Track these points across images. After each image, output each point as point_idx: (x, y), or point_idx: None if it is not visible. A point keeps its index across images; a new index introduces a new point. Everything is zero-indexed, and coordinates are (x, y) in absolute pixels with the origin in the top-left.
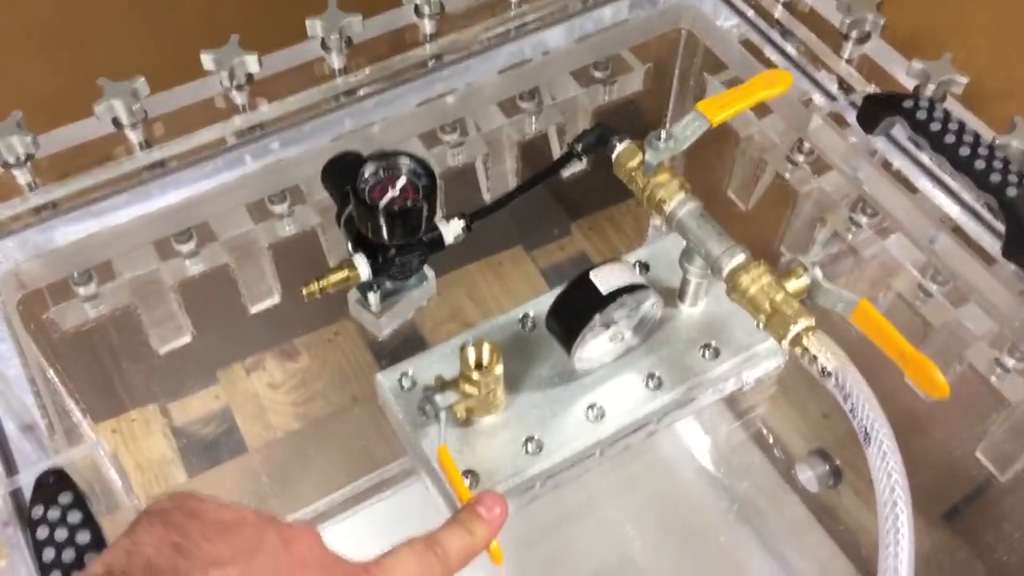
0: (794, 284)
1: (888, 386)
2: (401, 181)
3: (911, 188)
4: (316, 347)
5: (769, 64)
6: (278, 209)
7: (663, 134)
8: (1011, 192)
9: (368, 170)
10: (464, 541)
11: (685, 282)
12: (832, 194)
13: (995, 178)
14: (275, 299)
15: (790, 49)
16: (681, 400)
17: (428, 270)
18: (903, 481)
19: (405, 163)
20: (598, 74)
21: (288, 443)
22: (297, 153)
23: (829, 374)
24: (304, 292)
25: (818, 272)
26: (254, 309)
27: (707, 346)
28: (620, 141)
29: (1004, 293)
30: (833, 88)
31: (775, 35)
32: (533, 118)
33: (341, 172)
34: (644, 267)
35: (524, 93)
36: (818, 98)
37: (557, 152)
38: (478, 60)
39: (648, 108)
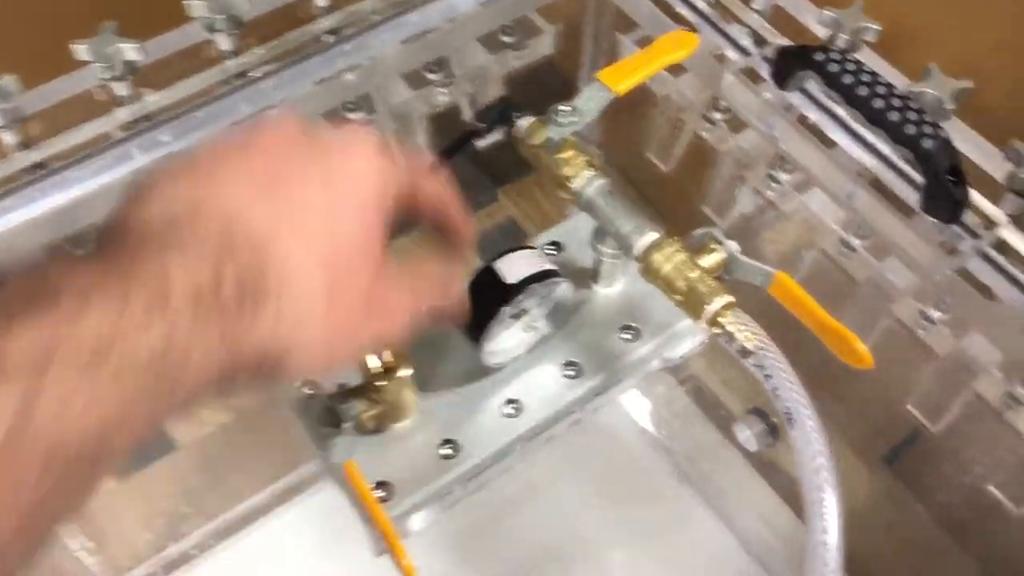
0: (708, 260)
1: None
2: None
3: (828, 142)
4: None
5: (680, 20)
6: None
7: (565, 108)
8: (926, 144)
9: None
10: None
11: (598, 263)
12: (750, 151)
13: (910, 130)
14: None
15: (700, 3)
16: (602, 386)
17: None
18: (829, 463)
19: None
20: (507, 39)
21: (219, 437)
22: (191, 143)
23: (749, 353)
24: None
25: (733, 245)
26: None
27: (626, 327)
28: (522, 117)
29: (924, 247)
30: (746, 42)
31: None
32: (442, 89)
33: None
34: (556, 247)
35: (430, 63)
36: (731, 54)
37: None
38: (379, 31)
39: (562, 70)
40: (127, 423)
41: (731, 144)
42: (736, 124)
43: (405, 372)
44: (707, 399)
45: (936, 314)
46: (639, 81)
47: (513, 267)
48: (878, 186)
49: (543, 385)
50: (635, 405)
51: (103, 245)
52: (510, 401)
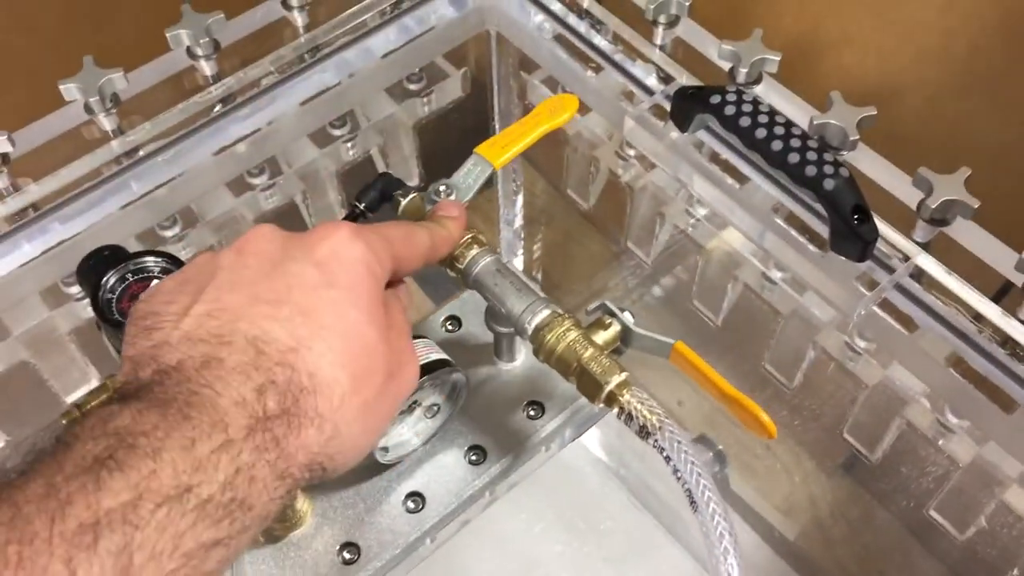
0: (603, 336)
1: None
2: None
3: (742, 178)
4: None
5: (583, 59)
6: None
7: (444, 187)
8: (828, 185)
9: (111, 280)
10: (446, 228)
11: (497, 340)
12: (665, 188)
13: (811, 171)
14: None
15: (600, 42)
16: (508, 468)
17: None
18: (731, 541)
19: (153, 263)
20: (413, 87)
21: None
22: (80, 229)
23: (648, 433)
24: (63, 420)
25: (628, 317)
26: None
27: (531, 404)
28: (404, 195)
29: (839, 283)
30: (652, 80)
31: (585, 28)
32: (349, 144)
33: (95, 271)
34: (456, 322)
35: (334, 120)
36: (638, 93)
37: None
38: (274, 94)
39: (472, 114)
40: (204, 563)
41: (647, 180)
42: (649, 162)
43: None
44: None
45: (862, 344)
46: (521, 150)
47: None
48: (794, 220)
49: (446, 474)
50: (588, 435)
51: (145, 385)
52: (412, 495)
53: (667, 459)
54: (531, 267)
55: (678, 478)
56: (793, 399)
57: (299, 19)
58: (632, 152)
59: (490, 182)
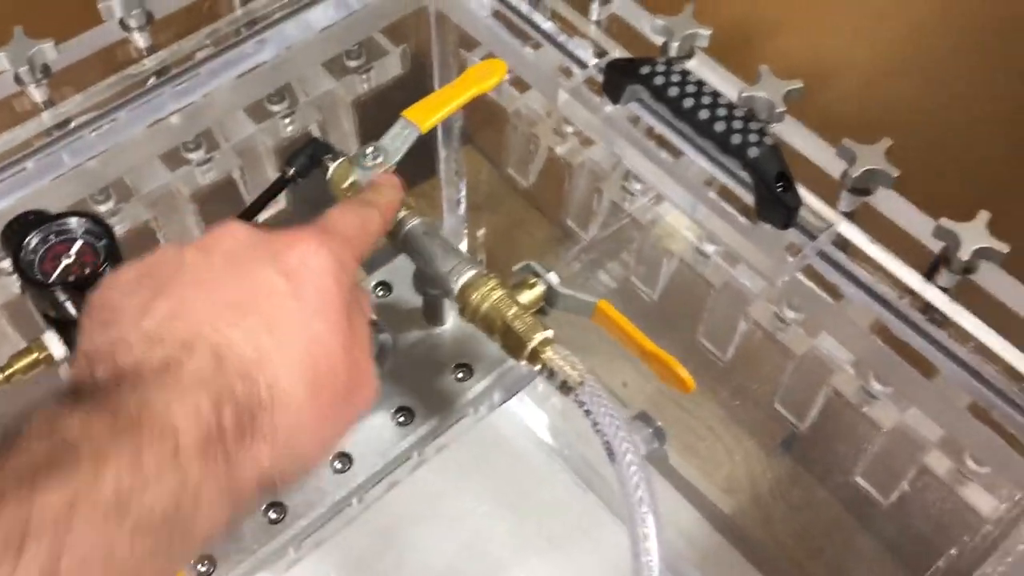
0: (528, 295)
1: None
2: (76, 246)
3: (676, 152)
4: None
5: (521, 35)
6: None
7: (371, 149)
8: (752, 153)
9: (33, 241)
10: (388, 197)
11: (426, 303)
12: (602, 163)
13: (736, 140)
14: None
15: (538, 18)
16: (437, 429)
17: None
18: (648, 494)
19: (77, 224)
20: (352, 63)
21: None
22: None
23: (569, 389)
24: None
25: (553, 277)
26: None
27: (460, 366)
28: (333, 160)
29: (766, 251)
30: (588, 55)
31: (523, 5)
32: (287, 120)
33: (18, 234)
34: (386, 287)
35: (272, 95)
36: (574, 68)
37: None
38: (211, 67)
39: (414, 91)
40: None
41: (584, 157)
42: (586, 137)
43: None
44: None
45: (791, 315)
46: (448, 114)
47: None
48: (726, 194)
49: (374, 435)
50: (531, 416)
51: (99, 386)
52: (339, 455)
53: (587, 412)
54: (475, 252)
55: (598, 431)
56: (732, 377)
57: None
58: (570, 129)
59: (433, 169)
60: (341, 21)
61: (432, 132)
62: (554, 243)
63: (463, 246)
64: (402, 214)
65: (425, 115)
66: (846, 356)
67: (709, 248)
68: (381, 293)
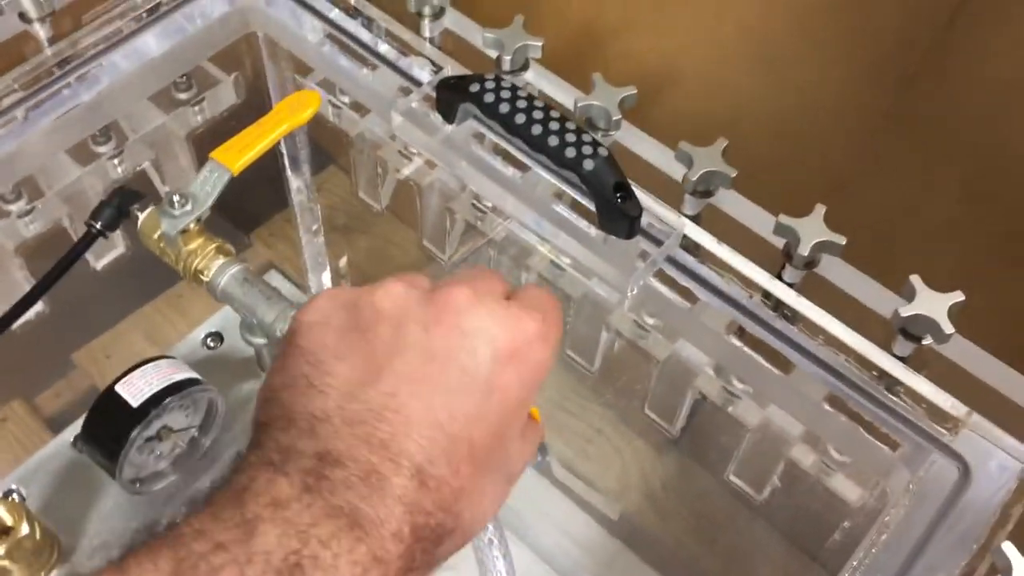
0: None
1: None
2: None
3: (524, 167)
4: None
5: (357, 58)
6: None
7: (178, 197)
8: (587, 165)
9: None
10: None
11: (257, 352)
12: (449, 184)
13: (570, 153)
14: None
15: (371, 40)
16: None
17: None
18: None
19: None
20: (181, 95)
21: None
22: None
23: None
24: None
25: None
26: None
27: None
28: (141, 210)
29: (615, 266)
30: (425, 73)
31: (354, 27)
32: (116, 160)
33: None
34: (218, 338)
35: (97, 136)
36: (413, 88)
37: (163, 189)
38: (22, 111)
39: (253, 120)
40: None
41: (432, 178)
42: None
43: (25, 529)
44: None
45: (650, 321)
46: (260, 153)
47: (136, 386)
48: (579, 207)
49: None
50: None
51: (312, 472)
52: None
53: None
54: (339, 279)
55: None
56: (612, 381)
57: (42, 32)
58: (415, 149)
59: (282, 202)
60: (164, 52)
61: (277, 162)
62: (429, 261)
63: (325, 276)
64: (219, 263)
65: (235, 155)
66: (705, 358)
67: (565, 260)
68: (212, 344)
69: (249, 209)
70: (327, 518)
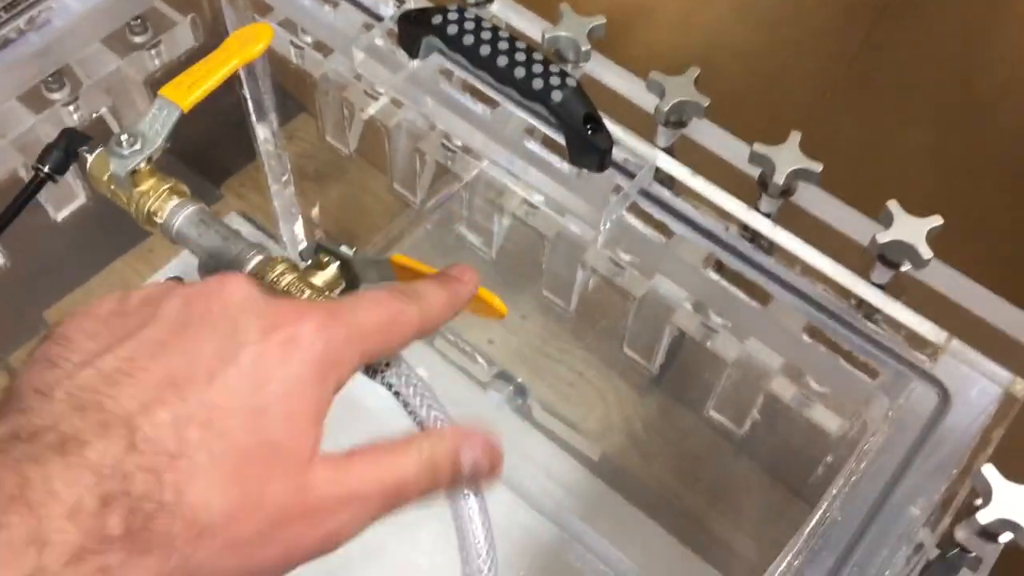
0: (322, 276)
1: None
2: None
3: (493, 103)
4: None
5: None
6: None
7: (126, 136)
8: (556, 97)
9: None
10: (443, 294)
11: None
12: (417, 123)
13: (538, 84)
14: None
15: None
16: None
17: None
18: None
19: None
20: (137, 38)
21: None
22: None
23: (375, 372)
24: None
25: (345, 250)
26: None
27: None
28: (90, 151)
29: (588, 201)
30: (388, 9)
31: None
32: (71, 107)
33: None
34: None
35: (47, 82)
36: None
37: None
38: None
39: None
40: None
41: (399, 117)
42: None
43: None
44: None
45: (626, 257)
46: (211, 88)
47: None
48: (550, 143)
49: None
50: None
51: None
52: None
53: (396, 394)
54: (313, 229)
55: (410, 413)
56: (591, 322)
57: None
58: (382, 88)
59: (252, 152)
60: None
61: (240, 110)
62: (402, 208)
63: (297, 226)
64: (172, 203)
65: (185, 92)
66: (683, 294)
67: (538, 198)
68: None
69: (219, 160)
70: None
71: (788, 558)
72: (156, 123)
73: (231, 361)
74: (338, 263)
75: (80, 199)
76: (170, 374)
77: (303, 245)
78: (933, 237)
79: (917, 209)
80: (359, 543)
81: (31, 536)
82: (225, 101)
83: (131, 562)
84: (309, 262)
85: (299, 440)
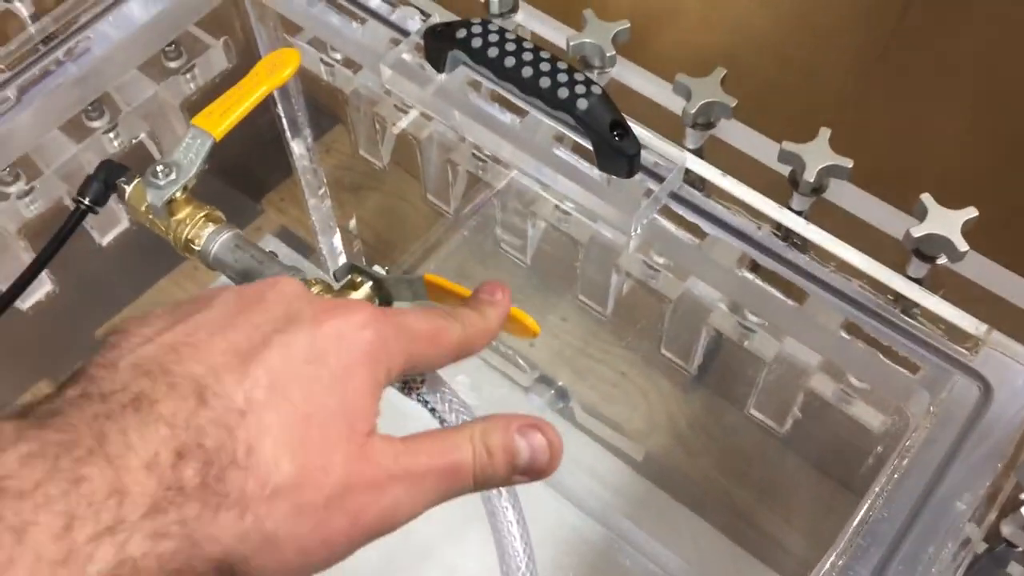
0: (357, 296)
1: None
2: None
3: (522, 112)
4: None
5: (347, 14)
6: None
7: (161, 167)
8: (582, 105)
9: None
10: (481, 321)
11: None
12: (447, 135)
13: (563, 93)
14: None
15: None
16: None
17: None
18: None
19: None
20: (172, 64)
21: None
22: None
23: (411, 389)
24: None
25: (377, 270)
26: None
27: None
28: (127, 182)
29: (613, 207)
30: (415, 24)
31: None
32: (111, 134)
33: None
34: None
35: (87, 110)
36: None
37: None
38: (10, 91)
39: None
40: None
41: (431, 129)
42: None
43: None
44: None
45: (660, 260)
46: (242, 116)
47: None
48: (581, 149)
49: None
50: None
51: (56, 413)
52: None
53: (432, 411)
54: (351, 242)
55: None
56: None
57: (24, 9)
58: (410, 102)
59: (290, 167)
60: (149, 19)
61: (276, 127)
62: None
63: (336, 239)
64: (209, 230)
65: (217, 120)
66: (717, 294)
67: (569, 205)
68: None
69: (258, 177)
70: (39, 464)
71: (832, 557)
72: (190, 152)
73: (290, 335)
74: (371, 282)
75: (123, 224)
76: (231, 346)
77: (343, 258)
78: (968, 228)
79: (952, 198)
80: (407, 546)
81: (111, 488)
82: (261, 120)
83: (206, 516)
84: (344, 282)
85: (358, 412)
